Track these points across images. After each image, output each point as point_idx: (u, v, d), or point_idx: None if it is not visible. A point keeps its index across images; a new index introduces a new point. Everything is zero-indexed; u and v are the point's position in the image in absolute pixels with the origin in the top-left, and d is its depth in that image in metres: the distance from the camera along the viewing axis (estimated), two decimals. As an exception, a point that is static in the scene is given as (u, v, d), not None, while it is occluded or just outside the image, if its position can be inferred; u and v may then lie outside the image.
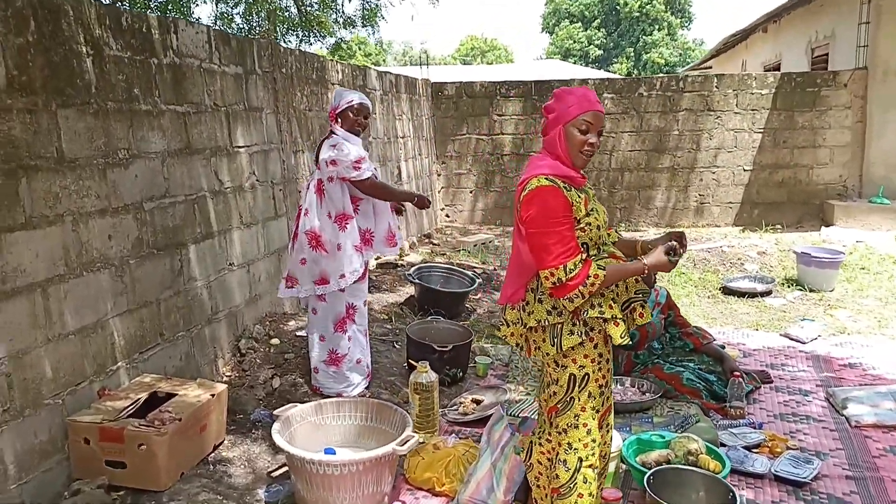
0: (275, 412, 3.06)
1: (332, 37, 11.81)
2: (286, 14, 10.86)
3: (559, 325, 2.22)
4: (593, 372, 2.30)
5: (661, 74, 11.33)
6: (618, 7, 43.77)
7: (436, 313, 5.20)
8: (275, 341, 4.42)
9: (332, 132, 3.77)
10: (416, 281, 5.37)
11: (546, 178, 2.24)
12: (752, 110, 8.90)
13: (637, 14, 43.38)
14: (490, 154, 9.68)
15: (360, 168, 3.62)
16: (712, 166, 9.15)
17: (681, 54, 44.76)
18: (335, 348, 3.81)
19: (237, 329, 4.37)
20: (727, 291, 6.16)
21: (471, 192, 9.90)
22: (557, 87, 9.78)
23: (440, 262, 6.69)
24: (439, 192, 9.94)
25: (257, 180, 4.70)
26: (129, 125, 3.37)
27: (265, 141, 4.83)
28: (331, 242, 3.69)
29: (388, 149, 7.69)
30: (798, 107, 8.79)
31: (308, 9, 10.70)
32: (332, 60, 6.12)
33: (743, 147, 9.03)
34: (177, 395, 3.20)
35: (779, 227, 8.75)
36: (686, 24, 46.90)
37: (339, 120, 3.76)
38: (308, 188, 3.79)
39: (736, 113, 8.94)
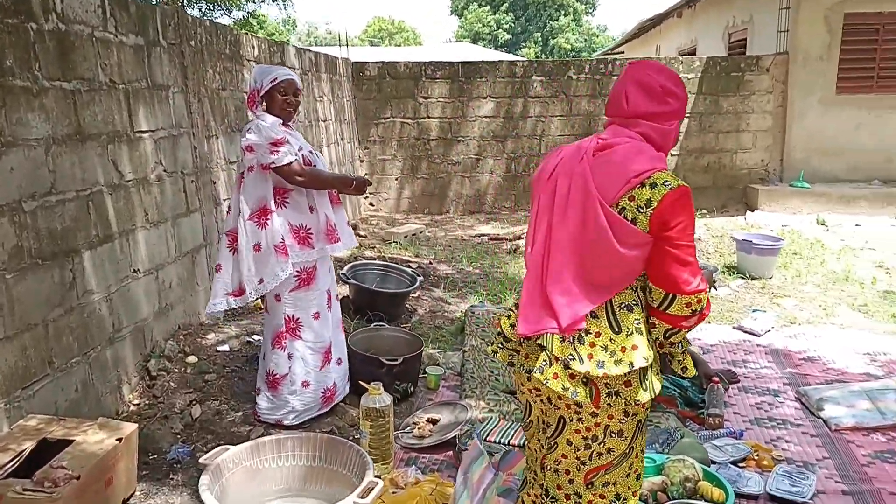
0: (201, 460, 2.50)
1: (239, 10, 10.85)
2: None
3: (649, 366, 1.74)
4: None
5: (591, 57, 11.17)
6: (525, -9, 44.27)
7: (374, 316, 4.72)
8: (191, 359, 3.80)
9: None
10: (351, 281, 4.85)
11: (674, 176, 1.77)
12: (679, 95, 8.83)
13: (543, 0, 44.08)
14: (416, 139, 9.19)
15: (277, 151, 3.06)
16: (641, 151, 9.04)
17: (586, 40, 45.84)
18: (273, 368, 3.26)
19: (145, 347, 3.72)
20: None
21: (396, 179, 9.38)
22: (485, 69, 9.57)
23: (373, 258, 6.17)
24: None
25: (165, 171, 4.02)
26: (2, 105, 2.67)
27: (173, 125, 4.15)
28: (247, 243, 3.14)
29: (309, 133, 7.05)
30: (723, 91, 8.82)
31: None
32: (246, 34, 5.44)
33: (670, 132, 8.97)
34: (73, 441, 2.57)
35: (705, 211, 8.78)
36: (590, 11, 48.09)
37: (265, 102, 3.19)
38: (237, 182, 3.22)
39: (664, 97, 8.85)
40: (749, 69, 8.74)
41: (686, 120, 8.93)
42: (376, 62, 9.06)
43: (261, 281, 3.14)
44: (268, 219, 3.13)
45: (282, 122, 3.18)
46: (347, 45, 9.02)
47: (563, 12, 45.01)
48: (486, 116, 9.05)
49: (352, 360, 3.61)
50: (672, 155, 9.04)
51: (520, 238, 7.66)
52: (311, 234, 3.23)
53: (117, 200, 3.50)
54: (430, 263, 6.55)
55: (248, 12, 11.29)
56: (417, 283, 5.04)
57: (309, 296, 3.28)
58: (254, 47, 5.57)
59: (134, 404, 3.44)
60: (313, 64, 7.27)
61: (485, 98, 8.99)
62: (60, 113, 3.05)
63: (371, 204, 9.50)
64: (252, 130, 3.10)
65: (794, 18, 8.53)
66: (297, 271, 3.21)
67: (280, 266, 3.11)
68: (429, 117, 9.09)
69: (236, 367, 3.79)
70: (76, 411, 3.03)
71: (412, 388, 3.74)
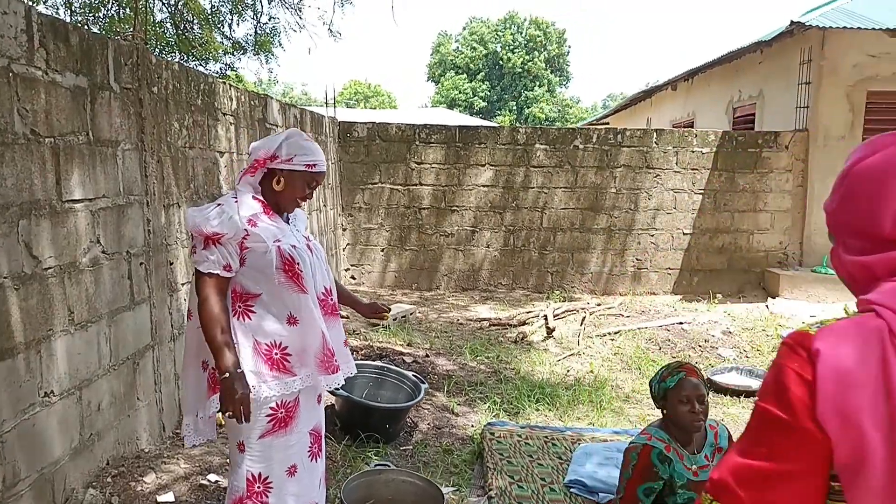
0: None
1: (216, 62, 10.04)
2: (160, 30, 9.00)
3: None
4: None
5: (599, 126, 10.62)
6: (501, 62, 45.21)
7: (366, 437, 3.71)
8: (121, 517, 2.72)
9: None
10: (340, 392, 3.83)
11: None
12: (693, 169, 8.20)
13: (519, 70, 45.02)
14: (406, 207, 8.32)
15: (205, 249, 2.14)
16: (651, 228, 8.32)
17: (559, 110, 46.60)
18: None
19: (53, 502, 2.63)
20: (713, 387, 5.09)
21: (382, 250, 8.45)
22: (485, 134, 8.72)
23: (363, 361, 5.14)
24: (344, 249, 8.42)
25: (103, 251, 3.03)
26: None
27: (120, 191, 3.18)
28: (192, 353, 2.29)
29: (289, 199, 6.13)
30: (739, 168, 8.20)
31: (188, 26, 8.90)
32: (224, 83, 4.56)
33: (683, 209, 8.28)
34: None
35: (720, 295, 8.00)
36: (564, 83, 49.20)
37: (280, 177, 2.23)
38: None
39: (676, 171, 8.20)
40: (767, 145, 8.16)
41: (699, 196, 8.26)
42: (366, 122, 8.27)
43: (186, 424, 2.24)
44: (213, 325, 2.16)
45: (271, 210, 2.27)
46: (335, 105, 8.22)
47: (537, 83, 45.95)
48: (483, 185, 8.26)
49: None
50: (685, 233, 8.32)
51: (524, 324, 6.74)
52: (289, 355, 2.24)
53: (27, 297, 2.49)
54: (427, 356, 5.55)
55: (225, 64, 10.48)
56: (422, 393, 4.03)
57: (286, 442, 2.27)
58: (232, 99, 4.68)
59: None
60: (298, 122, 6.41)
61: (483, 166, 8.22)
62: (-62, 176, 2.07)
63: (353, 277, 8.51)
64: (221, 204, 2.17)
65: (815, 95, 8.02)
66: (272, 408, 2.21)
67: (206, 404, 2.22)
68: (421, 184, 8.26)
69: (183, 531, 2.72)
70: None
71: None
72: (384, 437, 3.84)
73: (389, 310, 2.78)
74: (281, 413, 2.23)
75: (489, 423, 4.07)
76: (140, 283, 3.35)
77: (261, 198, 2.25)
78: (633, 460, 2.80)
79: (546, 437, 3.92)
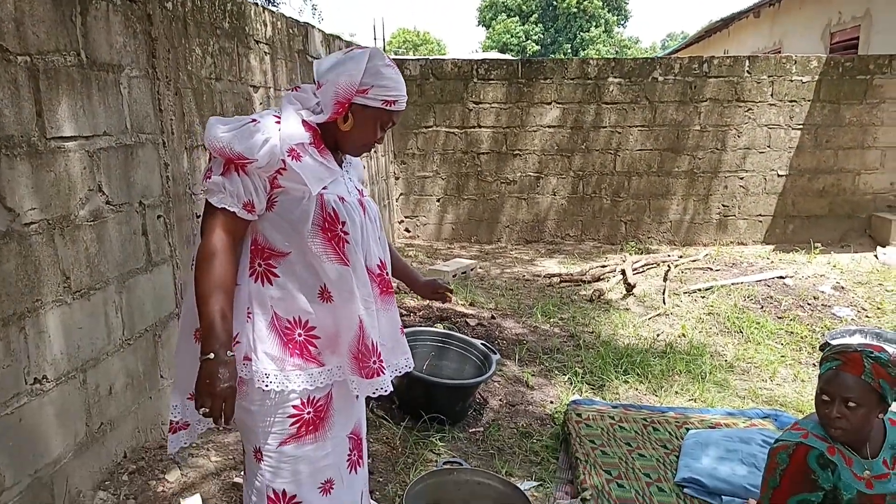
0: None
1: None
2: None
3: None
4: None
5: (681, 55, 9.43)
6: (555, 2, 43.11)
7: (430, 418, 3.14)
8: (137, 527, 2.22)
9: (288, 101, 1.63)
10: (399, 364, 3.23)
11: None
12: (791, 102, 7.18)
13: (574, 10, 42.95)
14: (463, 152, 7.60)
15: (209, 177, 1.54)
16: (740, 170, 7.38)
17: (617, 52, 44.36)
18: None
19: (55, 512, 2.15)
20: (832, 354, 4.30)
21: (438, 200, 7.79)
22: (551, 68, 7.80)
23: (421, 323, 4.54)
24: (397, 199, 7.80)
25: (107, 202, 2.47)
26: None
27: (127, 128, 2.60)
28: (187, 320, 1.67)
29: (336, 144, 5.51)
30: (846, 98, 7.13)
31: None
32: (255, 4, 3.90)
33: (778, 147, 7.30)
34: None
35: (819, 245, 7.06)
36: (622, 22, 46.68)
37: (349, 112, 1.60)
38: None
39: (771, 105, 7.20)
40: (879, 71, 7.04)
41: (797, 133, 7.25)
42: (418, 59, 7.51)
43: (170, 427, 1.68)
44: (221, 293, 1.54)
45: (322, 144, 1.62)
46: (384, 42, 7.45)
47: (594, 23, 43.77)
48: (549, 126, 7.45)
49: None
50: (779, 175, 7.36)
51: (600, 280, 6.03)
52: (316, 338, 1.63)
53: (0, 260, 1.94)
54: (493, 318, 4.92)
55: (266, 0, 9.72)
56: (494, 366, 3.40)
57: (318, 451, 1.68)
58: (266, 24, 4.02)
59: None
60: (344, 56, 5.71)
61: (549, 104, 7.39)
62: None
63: (407, 230, 7.91)
64: (256, 121, 1.54)
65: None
66: (295, 407, 1.62)
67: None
68: (479, 126, 7.50)
69: (211, 546, 2.20)
70: None
71: None
72: (450, 419, 3.26)
73: (452, 290, 2.13)
74: (308, 413, 1.64)
75: (573, 402, 3.43)
76: (158, 241, 2.80)
77: (313, 123, 1.60)
78: (783, 464, 2.10)
79: (644, 419, 3.26)
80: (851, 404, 1.93)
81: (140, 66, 2.70)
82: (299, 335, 1.60)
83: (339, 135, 1.63)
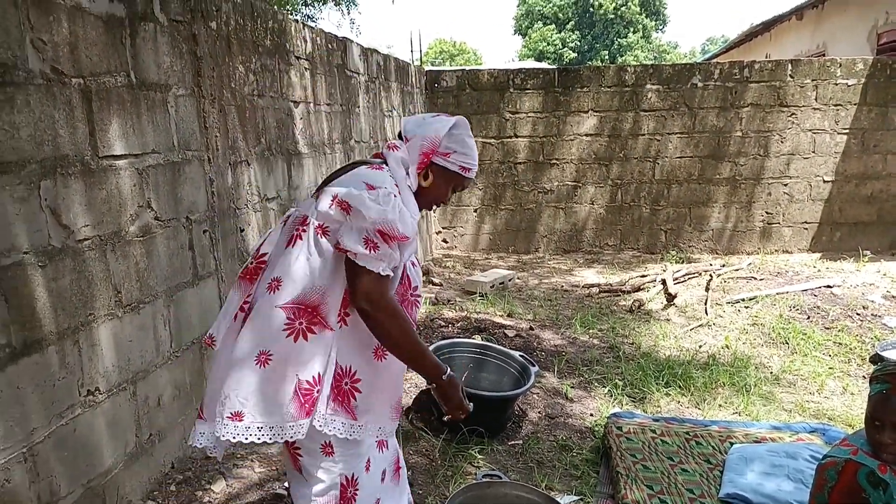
0: None
1: (294, 12, 9.44)
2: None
3: None
4: None
5: (721, 60, 9.26)
6: (592, 9, 42.83)
7: (469, 431, 3.14)
8: (184, 536, 2.27)
9: (383, 163, 1.76)
10: (438, 376, 3.25)
11: None
12: (836, 105, 7.00)
13: (611, 16, 42.59)
14: (500, 162, 7.60)
15: (377, 249, 1.56)
16: (783, 177, 7.22)
17: (655, 57, 43.84)
18: None
19: (106, 520, 2.22)
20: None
21: (475, 210, 7.80)
22: (587, 76, 7.66)
23: (460, 336, 4.55)
24: (434, 211, 7.81)
25: (156, 218, 2.54)
26: None
27: (174, 145, 2.68)
28: (251, 340, 1.62)
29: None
30: (894, 101, 6.92)
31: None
32: (296, 21, 3.98)
33: (823, 152, 7.12)
34: None
35: (868, 253, 6.85)
36: (660, 27, 46.10)
37: (431, 171, 1.76)
38: (289, 233, 1.69)
39: (815, 109, 7.03)
40: (930, 73, 6.82)
41: (843, 137, 7.06)
42: (454, 70, 7.55)
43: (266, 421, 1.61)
44: (312, 326, 1.58)
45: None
46: (420, 54, 7.54)
47: (631, 29, 43.33)
48: (586, 134, 7.40)
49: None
50: (825, 181, 7.17)
51: (639, 290, 5.95)
52: (358, 392, 1.67)
53: (56, 276, 2.02)
54: (531, 329, 4.90)
55: (305, 16, 9.88)
56: (532, 378, 3.39)
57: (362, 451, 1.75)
58: (306, 41, 4.11)
59: None
60: (381, 69, 5.80)
61: (586, 112, 7.35)
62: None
63: (444, 241, 7.94)
64: (380, 196, 1.60)
65: None
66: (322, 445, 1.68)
67: (293, 416, 1.59)
68: (516, 136, 7.50)
69: (256, 556, 2.24)
70: None
71: None
72: (489, 431, 3.26)
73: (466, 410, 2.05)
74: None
75: (614, 415, 3.39)
76: (204, 255, 2.87)
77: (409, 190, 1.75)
78: (831, 480, 2.04)
79: (687, 433, 3.20)
80: None
81: (186, 84, 2.78)
82: (346, 384, 1.65)
83: (419, 191, 1.76)
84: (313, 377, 1.59)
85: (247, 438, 1.57)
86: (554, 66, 7.62)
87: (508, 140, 7.53)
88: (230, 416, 1.57)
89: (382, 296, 1.58)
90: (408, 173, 1.73)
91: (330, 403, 1.62)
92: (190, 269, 2.77)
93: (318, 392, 1.60)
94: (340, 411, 1.63)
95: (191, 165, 2.80)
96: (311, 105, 4.16)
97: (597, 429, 3.41)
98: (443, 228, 7.91)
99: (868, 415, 1.94)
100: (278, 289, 1.59)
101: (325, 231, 1.61)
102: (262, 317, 1.60)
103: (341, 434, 1.64)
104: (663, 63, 9.95)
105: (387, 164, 1.73)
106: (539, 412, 3.62)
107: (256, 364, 1.58)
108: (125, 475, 2.31)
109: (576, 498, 2.83)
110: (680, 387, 3.89)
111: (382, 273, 1.56)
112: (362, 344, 1.65)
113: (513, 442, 3.29)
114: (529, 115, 7.43)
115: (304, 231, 1.63)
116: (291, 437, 1.59)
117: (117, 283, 2.30)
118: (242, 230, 3.23)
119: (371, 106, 5.50)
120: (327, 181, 1.71)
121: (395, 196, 1.61)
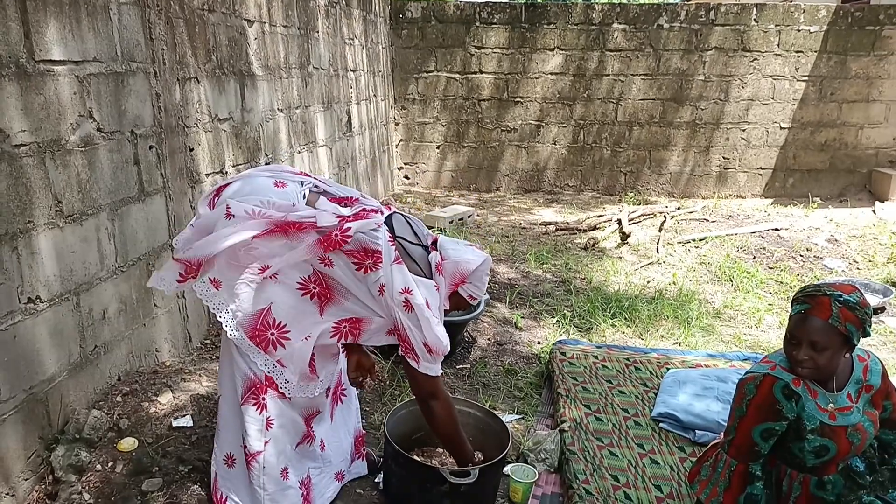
0: None
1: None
2: None
3: None
4: None
5: (688, 1, 9.10)
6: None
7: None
8: (127, 443, 2.31)
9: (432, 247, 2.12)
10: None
11: None
12: (797, 52, 7.07)
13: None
14: (464, 98, 7.53)
15: (432, 354, 1.97)
16: (742, 122, 7.32)
17: None
18: (245, 434, 1.93)
19: (49, 425, 2.24)
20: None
21: (437, 147, 7.76)
22: (555, 13, 7.62)
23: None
24: (397, 146, 7.77)
25: (99, 129, 2.48)
26: None
27: (117, 55, 2.59)
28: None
29: (334, 85, 5.47)
30: (853, 50, 7.01)
31: None
32: (249, -65, 3.82)
33: (782, 99, 7.22)
34: None
35: (818, 199, 7.06)
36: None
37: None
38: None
39: (777, 55, 7.09)
40: (890, 22, 6.91)
41: (802, 84, 7.16)
42: (420, 1, 7.37)
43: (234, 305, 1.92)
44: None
45: None
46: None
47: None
48: (551, 73, 7.36)
49: (388, 470, 2.10)
50: (782, 128, 7.30)
51: (595, 228, 6.06)
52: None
53: (-10, 180, 1.97)
54: (487, 262, 4.97)
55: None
56: (482, 306, 3.47)
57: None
58: (260, -43, 3.95)
59: (12, 541, 1.97)
60: (342, -5, 5.62)
61: (552, 50, 7.28)
62: None
63: (406, 177, 7.91)
64: (429, 284, 2.00)
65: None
66: None
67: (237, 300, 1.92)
68: (481, 72, 7.42)
69: (199, 462, 2.29)
70: None
71: (491, 515, 2.23)
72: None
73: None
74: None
75: (559, 341, 3.51)
76: (151, 171, 2.83)
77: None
78: (750, 394, 2.16)
79: (627, 359, 3.34)
80: (818, 347, 1.97)
81: (130, -7, 2.67)
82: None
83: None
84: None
85: (215, 308, 1.88)
86: (522, 1, 7.50)
87: (473, 76, 7.44)
88: (211, 279, 1.88)
89: (437, 388, 2.09)
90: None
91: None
92: (136, 184, 2.72)
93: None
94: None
95: (135, 77, 2.72)
96: (267, 25, 4.04)
97: (542, 355, 3.52)
98: (405, 164, 7.87)
99: (787, 333, 2.05)
100: None
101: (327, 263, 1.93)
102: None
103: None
104: (631, 2, 9.84)
105: (386, 224, 1.95)
106: (488, 339, 3.72)
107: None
108: (69, 384, 2.32)
109: (517, 416, 2.95)
110: (626, 319, 4.02)
111: (436, 375, 2.03)
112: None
113: (461, 366, 3.39)
114: (495, 50, 7.34)
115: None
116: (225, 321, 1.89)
117: (58, 192, 2.26)
118: (192, 149, 3.17)
119: (332, 32, 5.36)
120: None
121: (433, 288, 1.98)
